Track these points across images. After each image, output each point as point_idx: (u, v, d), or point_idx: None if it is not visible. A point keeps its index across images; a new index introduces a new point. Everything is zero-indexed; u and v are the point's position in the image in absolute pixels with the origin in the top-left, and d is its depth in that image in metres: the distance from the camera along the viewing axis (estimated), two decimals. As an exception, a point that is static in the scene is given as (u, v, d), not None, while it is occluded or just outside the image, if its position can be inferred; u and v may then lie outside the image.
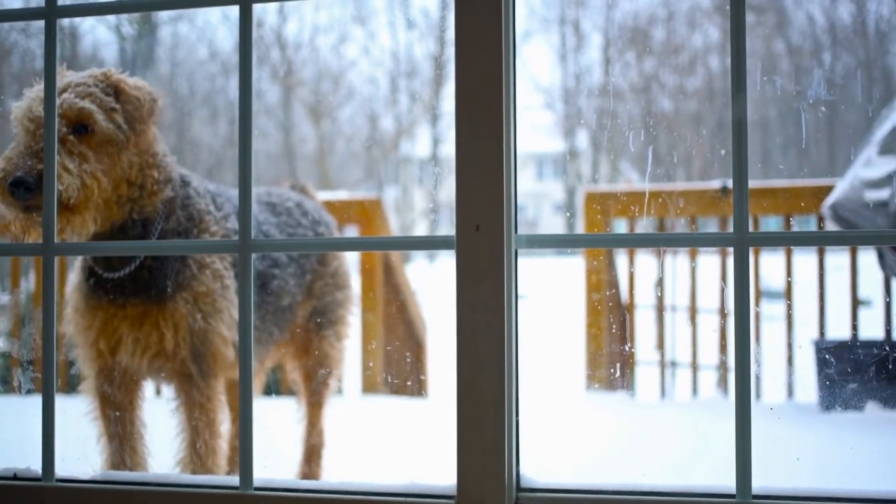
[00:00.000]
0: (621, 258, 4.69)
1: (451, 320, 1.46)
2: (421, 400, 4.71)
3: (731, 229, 1.43)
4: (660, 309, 4.40)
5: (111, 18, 6.41)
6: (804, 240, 1.72)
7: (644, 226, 4.46)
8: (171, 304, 2.20)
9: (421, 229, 14.17)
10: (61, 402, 1.69)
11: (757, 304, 4.16)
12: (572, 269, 6.28)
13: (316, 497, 1.53)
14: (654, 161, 5.98)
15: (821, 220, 3.78)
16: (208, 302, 2.25)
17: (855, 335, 3.99)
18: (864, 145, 3.71)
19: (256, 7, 1.57)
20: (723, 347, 4.28)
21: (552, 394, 4.35)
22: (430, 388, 5.00)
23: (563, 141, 14.95)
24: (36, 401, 1.69)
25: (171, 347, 2.20)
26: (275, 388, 3.92)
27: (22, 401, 2.47)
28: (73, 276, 2.31)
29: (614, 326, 4.52)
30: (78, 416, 2.34)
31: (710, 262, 4.38)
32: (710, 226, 4.67)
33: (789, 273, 4.04)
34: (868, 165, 3.58)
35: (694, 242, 3.02)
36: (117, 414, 2.33)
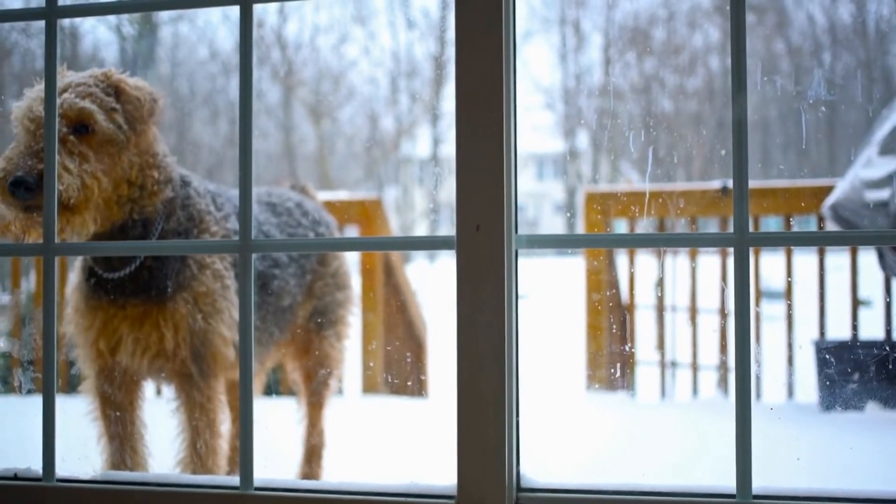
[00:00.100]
0: (621, 258, 4.69)
1: (452, 320, 1.46)
2: (421, 400, 4.70)
3: (731, 229, 1.43)
4: (660, 309, 4.40)
5: (112, 18, 6.41)
6: (804, 240, 1.72)
7: (644, 226, 4.46)
8: (172, 304, 2.20)
9: (421, 229, 14.15)
10: (62, 403, 1.69)
11: (757, 305, 4.16)
12: (572, 269, 6.27)
13: (316, 497, 1.53)
14: (654, 161, 5.98)
15: (821, 220, 3.78)
16: (209, 302, 2.25)
17: (855, 335, 3.99)
18: (865, 145, 3.71)
19: (257, 7, 1.57)
20: (723, 347, 4.28)
21: (552, 394, 4.35)
22: (430, 388, 5.00)
23: (564, 141, 14.92)
24: (36, 401, 1.70)
25: (172, 348, 2.20)
26: (275, 388, 3.92)
27: (22, 401, 2.48)
28: (74, 276, 2.31)
29: (614, 326, 4.52)
30: (78, 416, 2.34)
31: (710, 263, 4.38)
32: (711, 226, 4.67)
33: (789, 273, 4.04)
34: (868, 166, 3.58)
35: (694, 243, 3.02)
36: (118, 414, 2.33)
